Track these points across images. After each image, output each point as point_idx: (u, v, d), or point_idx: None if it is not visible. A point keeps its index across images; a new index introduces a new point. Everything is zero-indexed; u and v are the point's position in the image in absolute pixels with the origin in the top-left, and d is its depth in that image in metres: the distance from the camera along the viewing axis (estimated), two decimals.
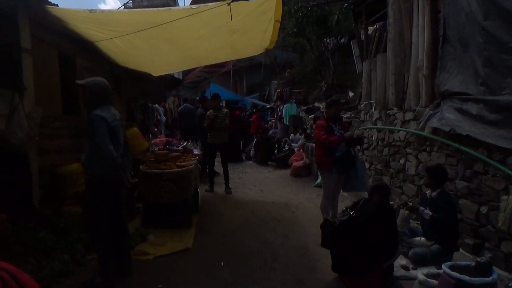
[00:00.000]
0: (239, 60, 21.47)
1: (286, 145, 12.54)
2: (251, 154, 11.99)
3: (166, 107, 14.79)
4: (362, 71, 9.01)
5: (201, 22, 4.77)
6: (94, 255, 3.80)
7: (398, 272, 3.94)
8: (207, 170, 8.13)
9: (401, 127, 6.10)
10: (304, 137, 11.53)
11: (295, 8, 14.05)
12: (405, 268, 4.04)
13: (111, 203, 3.45)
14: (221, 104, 9.86)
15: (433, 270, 3.48)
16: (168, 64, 7.85)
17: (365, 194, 6.26)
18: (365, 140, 7.54)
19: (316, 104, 13.62)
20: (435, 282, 3.26)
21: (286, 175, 9.48)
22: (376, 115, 7.15)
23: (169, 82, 16.12)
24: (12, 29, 4.12)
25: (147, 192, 5.03)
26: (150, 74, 9.07)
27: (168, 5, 21.95)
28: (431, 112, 5.19)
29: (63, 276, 3.54)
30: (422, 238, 4.46)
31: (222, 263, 4.12)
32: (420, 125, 5.45)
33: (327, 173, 5.05)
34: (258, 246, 4.67)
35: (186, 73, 29.67)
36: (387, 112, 6.61)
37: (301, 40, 16.87)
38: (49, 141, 4.95)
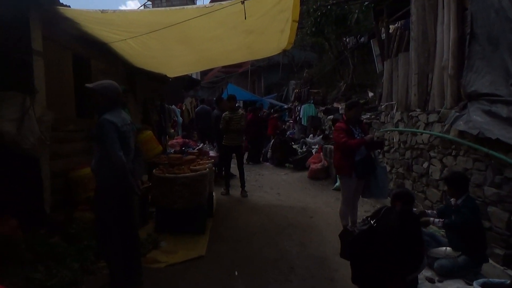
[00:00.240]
0: (257, 60, 21.39)
1: (303, 147, 12.35)
2: (268, 156, 11.81)
3: (183, 108, 14.77)
4: (383, 71, 8.75)
5: (215, 22, 4.62)
6: (104, 263, 3.69)
7: (423, 284, 3.72)
8: (223, 172, 8.00)
9: (424, 129, 5.85)
10: (322, 138, 11.30)
11: (314, 7, 13.87)
12: (431, 280, 3.81)
13: (120, 210, 3.33)
14: (237, 105, 9.75)
15: (462, 285, 3.24)
16: (183, 65, 7.74)
17: (386, 201, 6.09)
18: (386, 143, 7.30)
19: (335, 105, 13.38)
20: None
21: (303, 178, 9.26)
22: (397, 116, 6.89)
23: (186, 83, 16.13)
24: (23, 31, 4.06)
25: (160, 197, 4.91)
26: (165, 75, 8.99)
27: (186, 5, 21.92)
28: (457, 114, 4.92)
29: (72, 285, 3.44)
30: (448, 248, 4.20)
31: (236, 273, 3.96)
32: (445, 127, 5.19)
33: (346, 178, 4.83)
34: (274, 254, 4.49)
35: (204, 73, 29.79)
36: (409, 113, 6.36)
37: (319, 40, 16.67)
38: (62, 144, 4.88)
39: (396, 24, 9.14)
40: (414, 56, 6.32)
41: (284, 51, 7.05)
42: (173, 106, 12.77)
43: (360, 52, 14.84)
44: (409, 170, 6.40)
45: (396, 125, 6.90)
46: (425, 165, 5.82)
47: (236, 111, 7.55)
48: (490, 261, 4.10)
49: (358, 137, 4.76)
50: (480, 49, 4.71)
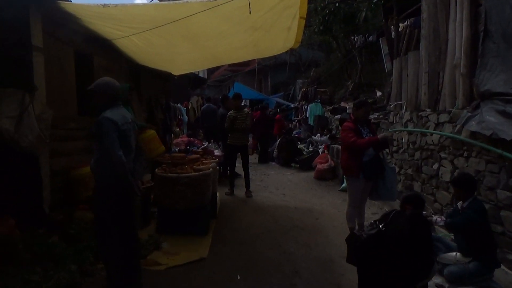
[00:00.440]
0: (263, 59, 21.29)
1: (310, 146, 12.21)
2: (274, 155, 11.68)
3: (189, 106, 14.69)
4: (391, 70, 8.59)
5: (220, 18, 4.50)
6: (102, 265, 3.59)
7: None
8: (228, 172, 7.89)
9: (434, 129, 5.69)
10: (329, 138, 11.14)
11: (322, 5, 13.73)
12: (440, 287, 3.66)
13: (120, 211, 3.22)
14: (244, 104, 9.63)
15: None
16: (188, 63, 7.63)
17: (394, 203, 5.94)
18: (395, 143, 7.14)
19: (342, 104, 13.25)
20: None
21: (309, 178, 9.11)
22: (406, 116, 6.73)
23: (193, 81, 16.05)
24: (23, 26, 3.96)
25: (162, 197, 4.80)
26: (170, 73, 8.89)
27: None
28: (470, 114, 4.76)
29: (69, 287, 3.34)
30: (459, 254, 4.04)
31: (239, 277, 3.83)
32: (457, 128, 5.04)
33: (353, 179, 4.68)
34: (278, 257, 4.35)
35: (211, 72, 29.78)
36: (419, 113, 6.20)
37: (327, 38, 16.52)
38: (63, 142, 4.79)
39: (406, 23, 8.99)
40: (425, 54, 6.16)
41: (291, 50, 6.90)
42: (179, 105, 12.68)
43: (368, 51, 14.68)
44: (418, 172, 6.24)
45: (405, 125, 6.75)
46: (435, 166, 5.66)
47: (241, 110, 7.43)
48: (502, 266, 3.96)
49: (366, 137, 4.61)
50: (494, 46, 4.57)
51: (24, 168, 3.97)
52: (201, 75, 22.10)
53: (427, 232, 3.41)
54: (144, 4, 5.00)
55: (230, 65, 24.00)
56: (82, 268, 3.60)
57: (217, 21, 4.65)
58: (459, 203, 4.00)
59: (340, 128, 12.20)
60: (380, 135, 4.66)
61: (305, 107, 15.63)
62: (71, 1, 4.24)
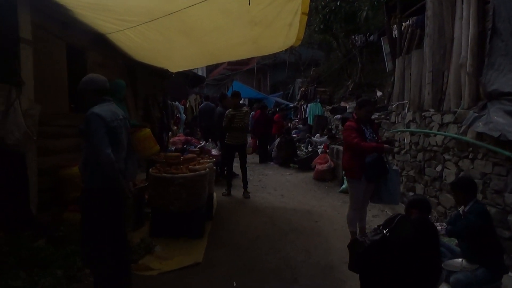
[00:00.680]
0: (263, 58, 21.18)
1: (308, 146, 12.05)
2: (272, 155, 11.50)
3: (187, 105, 14.52)
4: (393, 69, 8.42)
5: (217, 10, 4.31)
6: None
7: None
8: (225, 172, 7.70)
9: (438, 130, 5.52)
10: (328, 137, 10.98)
11: (323, 3, 13.60)
12: None
13: (108, 214, 3.03)
14: (242, 102, 9.45)
15: None
16: (186, 60, 7.43)
17: (397, 207, 5.77)
18: (396, 144, 6.96)
19: (342, 104, 13.10)
20: None
21: (308, 179, 8.93)
22: (409, 116, 6.56)
23: (191, 79, 15.88)
24: (10, 17, 3.76)
25: (156, 198, 4.60)
26: (168, 70, 8.69)
27: None
28: (476, 115, 4.60)
29: None
30: (464, 260, 3.87)
31: (235, 283, 3.64)
32: (462, 129, 4.88)
33: (355, 181, 4.50)
34: (276, 262, 4.16)
35: (209, 70, 29.63)
36: (422, 113, 6.03)
37: (327, 37, 16.38)
38: (53, 140, 4.60)
39: (408, 22, 8.81)
40: (429, 53, 5.99)
41: (291, 48, 6.72)
42: (177, 103, 12.51)
43: (369, 50, 14.53)
44: (420, 173, 6.07)
45: (408, 126, 6.58)
46: (439, 168, 5.50)
47: (239, 109, 7.25)
48: (510, 273, 3.79)
49: (369, 137, 4.42)
50: (503, 45, 4.42)
51: (9, 166, 3.78)
52: (200, 73, 21.93)
53: (434, 238, 3.24)
54: None
55: (229, 63, 23.91)
56: (69, 274, 3.41)
57: (215, 14, 4.46)
58: (461, 208, 3.84)
59: (340, 128, 12.16)
60: (385, 146, 4.43)
61: (304, 106, 15.48)
62: None
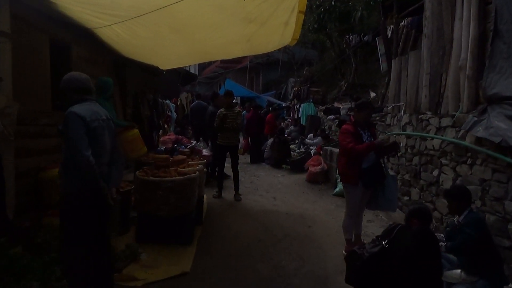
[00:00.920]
0: (256, 56, 21.00)
1: (301, 147, 11.89)
2: (265, 155, 11.31)
3: (178, 103, 14.27)
4: (387, 70, 8.27)
5: (210, 6, 4.09)
6: None
7: None
8: (216, 173, 7.50)
9: (435, 134, 5.38)
10: (322, 137, 10.83)
11: (317, 2, 13.46)
12: None
13: (88, 223, 2.81)
14: (234, 101, 9.24)
15: None
16: (177, 58, 7.17)
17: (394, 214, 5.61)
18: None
19: (336, 104, 12.97)
20: None
21: (301, 181, 8.75)
22: (405, 119, 6.42)
23: (183, 77, 15.59)
24: None
25: (143, 202, 4.37)
26: (158, 68, 8.44)
27: None
28: (476, 119, 4.45)
29: None
30: (463, 272, 3.72)
31: None
32: (460, 133, 4.74)
33: (351, 187, 4.33)
34: (268, 271, 3.97)
35: (202, 68, 29.33)
36: (419, 116, 5.89)
37: (321, 37, 16.23)
38: (33, 140, 4.34)
39: (403, 22, 8.69)
40: (427, 54, 5.85)
41: (284, 48, 6.51)
42: (167, 101, 12.26)
43: (363, 51, 14.41)
44: (416, 178, 5.93)
45: (404, 128, 6.43)
46: (435, 173, 5.36)
47: (232, 108, 7.04)
48: (511, 284, 3.64)
49: (366, 142, 4.26)
50: (505, 47, 4.28)
51: None
52: (192, 71, 21.65)
53: (435, 250, 3.09)
54: None
55: (221, 61, 23.70)
56: (47, 285, 3.17)
57: (208, 9, 4.23)
58: (456, 218, 3.70)
59: (333, 129, 12.03)
60: (376, 141, 4.31)
61: (297, 106, 15.33)
62: None
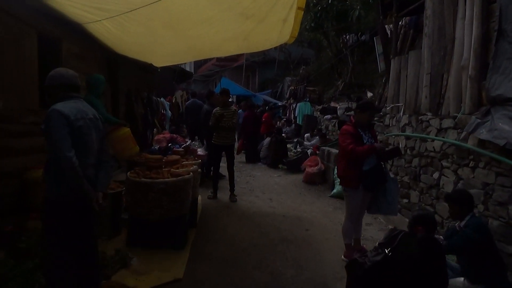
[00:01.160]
0: (252, 55, 20.87)
1: (297, 146, 11.74)
2: (261, 155, 11.15)
3: (173, 101, 14.07)
4: (385, 70, 8.13)
5: (206, 0, 3.91)
6: None
7: None
8: (211, 173, 7.33)
9: (436, 135, 5.24)
10: (320, 137, 10.70)
11: (314, 1, 13.33)
12: None
13: (72, 231, 2.64)
14: (231, 100, 9.06)
15: None
16: (171, 55, 6.99)
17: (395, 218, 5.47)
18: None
19: (332, 104, 12.87)
20: None
21: (298, 181, 8.60)
22: (404, 120, 6.29)
23: (178, 75, 15.39)
24: None
25: (134, 205, 4.18)
26: (151, 65, 8.24)
27: None
28: (479, 121, 4.32)
29: None
30: (466, 280, 3.59)
31: None
32: (462, 135, 4.61)
33: (352, 191, 4.18)
34: (265, 278, 3.80)
35: (198, 65, 29.12)
36: (419, 117, 5.76)
37: (318, 36, 16.11)
38: (18, 139, 4.15)
39: (401, 22, 8.56)
40: (427, 54, 5.72)
41: (281, 46, 6.35)
42: (162, 99, 12.06)
43: (360, 50, 14.32)
44: (416, 180, 5.80)
45: (403, 129, 6.30)
46: (436, 175, 5.23)
47: (228, 107, 6.87)
48: None
49: (367, 143, 4.11)
50: (510, 48, 4.16)
51: None
52: (187, 68, 21.46)
53: (441, 258, 2.95)
54: None
55: (217, 59, 23.52)
56: None
57: (203, 4, 4.05)
58: (457, 223, 3.56)
59: (330, 128, 11.90)
60: (377, 145, 4.16)
61: (294, 105, 15.21)
62: None
